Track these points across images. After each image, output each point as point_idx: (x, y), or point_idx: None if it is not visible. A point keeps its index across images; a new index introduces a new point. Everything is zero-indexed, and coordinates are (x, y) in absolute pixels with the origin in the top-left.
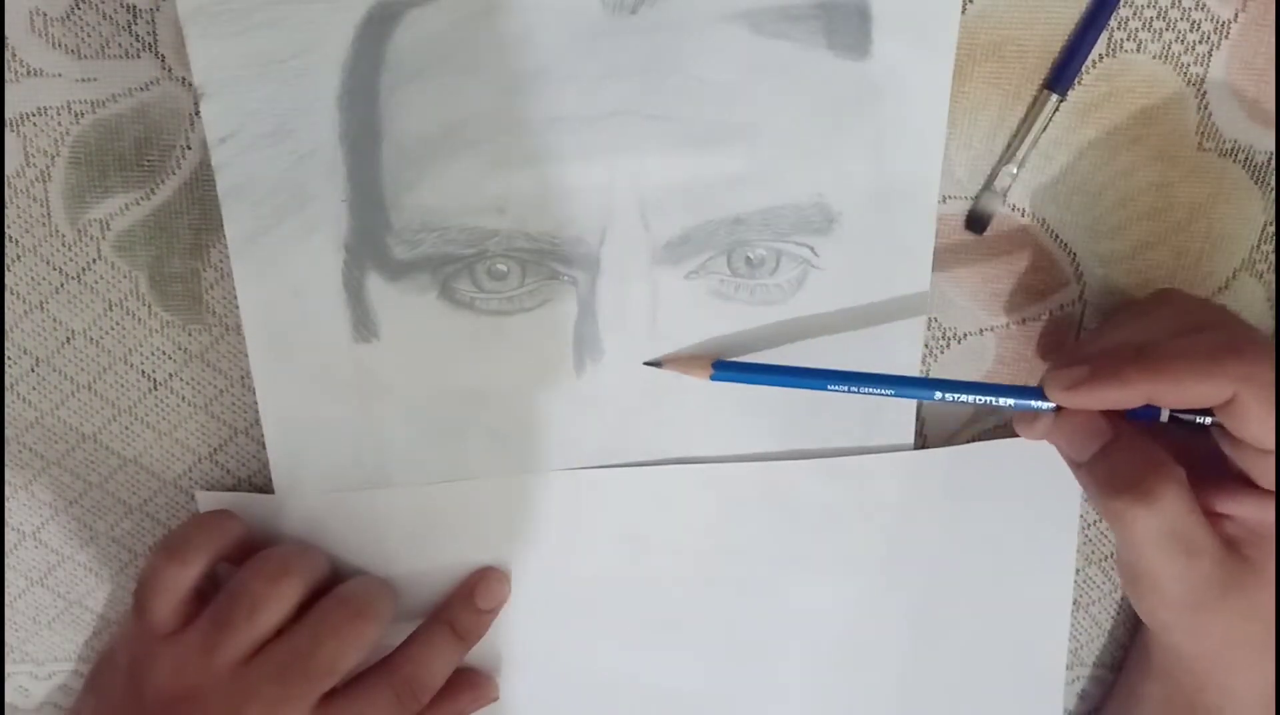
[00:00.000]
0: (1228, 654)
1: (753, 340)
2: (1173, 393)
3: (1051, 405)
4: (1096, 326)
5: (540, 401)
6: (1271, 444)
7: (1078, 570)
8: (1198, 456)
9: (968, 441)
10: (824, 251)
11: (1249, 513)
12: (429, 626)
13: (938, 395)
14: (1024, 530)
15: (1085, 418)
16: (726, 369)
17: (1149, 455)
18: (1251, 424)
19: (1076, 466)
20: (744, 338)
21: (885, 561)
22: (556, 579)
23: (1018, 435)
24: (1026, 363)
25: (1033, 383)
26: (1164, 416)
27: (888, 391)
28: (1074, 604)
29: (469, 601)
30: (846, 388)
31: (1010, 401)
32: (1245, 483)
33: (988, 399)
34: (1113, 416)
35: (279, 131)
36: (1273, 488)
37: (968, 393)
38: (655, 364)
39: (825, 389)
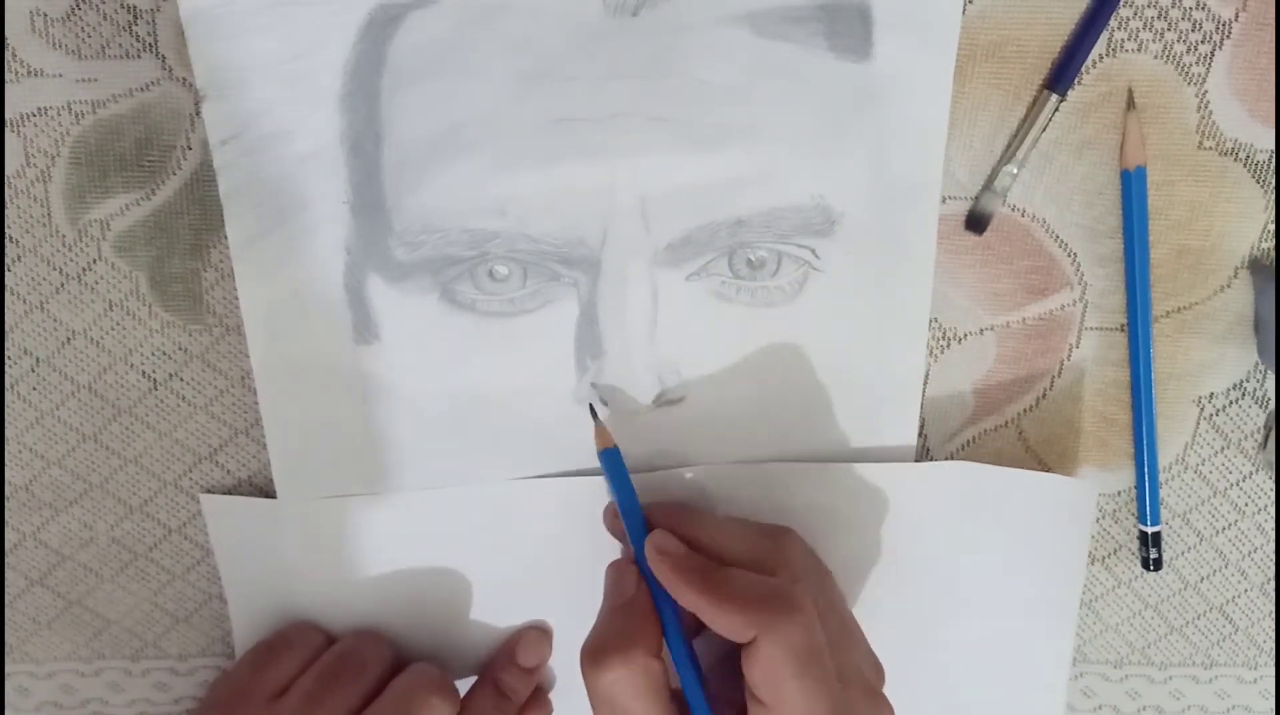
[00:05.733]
0: None
1: (753, 343)
2: (714, 619)
3: None
4: (726, 520)
5: (541, 403)
6: (767, 697)
7: None
8: None
9: (969, 440)
10: (825, 253)
11: None
12: (476, 690)
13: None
14: (1030, 536)
15: (615, 570)
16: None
17: (636, 626)
18: (755, 667)
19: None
20: (745, 340)
21: (886, 564)
22: (557, 582)
23: (1016, 437)
24: (1027, 362)
25: (1031, 382)
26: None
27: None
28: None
29: (511, 661)
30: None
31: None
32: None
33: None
34: (635, 581)
35: (281, 133)
36: None
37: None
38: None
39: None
